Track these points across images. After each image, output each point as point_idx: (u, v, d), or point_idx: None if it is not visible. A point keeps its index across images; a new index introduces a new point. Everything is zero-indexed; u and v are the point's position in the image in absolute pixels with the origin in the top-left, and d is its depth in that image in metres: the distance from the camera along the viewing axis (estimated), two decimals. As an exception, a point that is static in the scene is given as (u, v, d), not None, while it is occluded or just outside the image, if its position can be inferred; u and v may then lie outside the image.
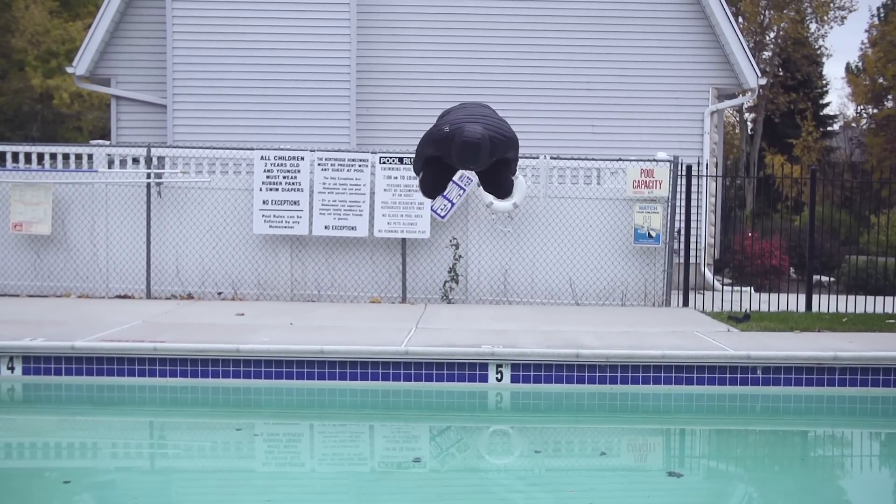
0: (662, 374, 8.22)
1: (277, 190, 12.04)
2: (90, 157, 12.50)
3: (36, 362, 8.28)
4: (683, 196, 12.28)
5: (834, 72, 70.55)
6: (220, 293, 12.37)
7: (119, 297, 12.33)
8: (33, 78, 27.18)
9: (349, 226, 12.04)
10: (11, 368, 8.24)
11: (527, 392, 8.13)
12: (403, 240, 12.25)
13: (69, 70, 15.42)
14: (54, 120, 29.96)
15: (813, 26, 32.32)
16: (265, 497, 5.46)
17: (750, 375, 8.26)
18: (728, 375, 8.25)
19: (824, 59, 36.41)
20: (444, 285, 12.23)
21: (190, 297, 12.32)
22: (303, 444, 7.03)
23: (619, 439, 7.17)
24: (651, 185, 12.08)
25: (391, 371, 8.22)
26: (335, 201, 12.02)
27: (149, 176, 12.27)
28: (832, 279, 15.93)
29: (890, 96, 32.52)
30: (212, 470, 6.09)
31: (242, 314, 10.55)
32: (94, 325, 9.28)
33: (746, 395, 8.12)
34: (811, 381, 8.28)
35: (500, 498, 5.63)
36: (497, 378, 8.17)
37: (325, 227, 12.06)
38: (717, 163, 16.28)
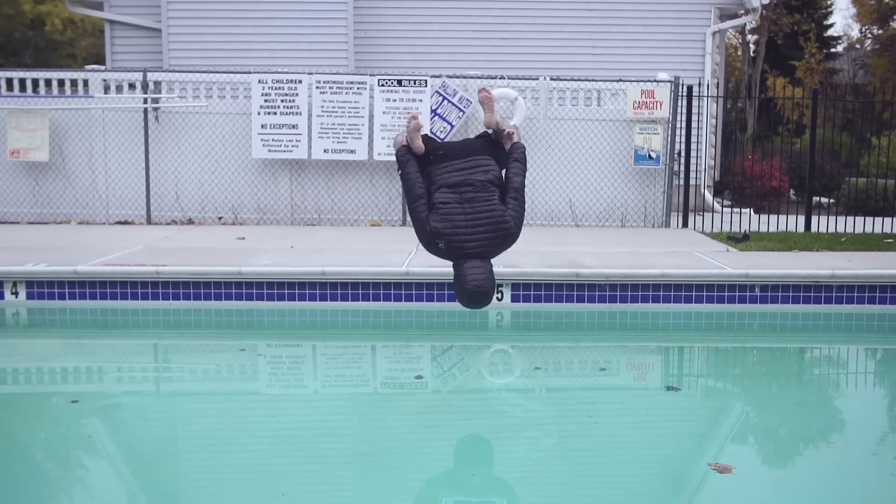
0: (661, 293, 8.28)
1: (276, 114, 11.96)
2: (86, 82, 12.40)
3: (39, 287, 8.34)
4: (684, 117, 12.20)
5: (838, -8, 69.42)
6: (220, 218, 12.39)
7: (119, 223, 12.34)
8: (24, 3, 26.79)
9: (348, 149, 12.00)
10: (15, 293, 8.30)
11: (527, 311, 8.20)
12: (403, 163, 12.19)
13: (61, -6, 15.20)
14: (47, 47, 29.62)
15: (818, -57, 31.77)
16: (269, 415, 5.54)
17: (748, 293, 8.32)
18: (726, 294, 8.31)
19: (829, -21, 35.86)
20: (443, 208, 12.21)
21: (190, 222, 12.33)
22: (305, 363, 7.11)
23: (619, 356, 7.25)
24: (651, 105, 12.01)
25: (392, 291, 8.28)
26: (334, 125, 11.96)
27: (145, 101, 12.18)
28: (832, 201, 15.94)
29: None
30: (216, 391, 6.17)
31: (243, 238, 10.59)
32: (95, 251, 9.32)
33: (744, 313, 8.20)
34: (808, 299, 8.35)
35: (501, 412, 5.72)
36: (497, 298, 8.23)
37: (325, 151, 12.02)
38: (718, 84, 16.15)
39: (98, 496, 4.22)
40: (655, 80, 12.18)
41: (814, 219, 12.29)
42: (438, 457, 4.75)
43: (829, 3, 36.74)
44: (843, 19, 57.01)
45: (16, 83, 12.41)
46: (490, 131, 5.43)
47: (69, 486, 4.37)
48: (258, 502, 4.05)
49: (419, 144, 5.02)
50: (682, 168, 12.32)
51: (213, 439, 4.95)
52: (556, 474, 4.45)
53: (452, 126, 12.01)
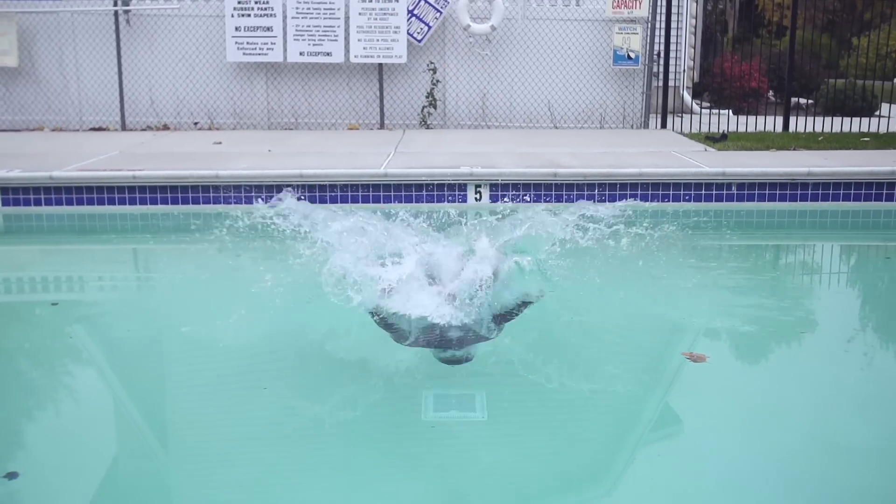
0: (639, 192, 8.32)
1: (249, 16, 11.73)
2: (53, -16, 12.09)
3: (14, 193, 8.27)
4: (664, 17, 12.07)
5: None
6: (196, 123, 12.25)
7: (93, 129, 12.19)
8: None
9: (324, 52, 11.83)
10: (-10, 199, 8.24)
11: (505, 210, 8.22)
12: (380, 65, 12.06)
13: None
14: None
15: None
16: (250, 313, 5.56)
17: (725, 192, 8.38)
18: (703, 192, 8.37)
19: None
20: (422, 110, 12.14)
21: (166, 127, 12.19)
22: (283, 256, 7.02)
23: (594, 251, 7.25)
24: (631, 4, 11.85)
25: (371, 193, 8.27)
26: (309, 27, 11.75)
27: (115, 3, 11.90)
28: (811, 101, 15.90)
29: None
30: (197, 288, 6.17)
31: (220, 143, 10.50)
32: (70, 157, 9.22)
33: (721, 211, 8.26)
34: (784, 197, 8.41)
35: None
36: (476, 198, 8.24)
37: (300, 54, 11.83)
38: (698, -17, 15.92)
39: (81, 396, 4.28)
40: (635, -21, 12.01)
41: (792, 119, 12.28)
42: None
43: None
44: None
45: (-19, -14, 12.09)
46: None
47: (51, 387, 4.42)
48: (239, 397, 4.11)
49: None
50: (662, 69, 12.24)
51: (195, 340, 4.98)
52: (532, 359, 4.52)
53: (430, 27, 11.85)
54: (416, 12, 11.79)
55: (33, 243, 7.85)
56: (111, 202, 8.27)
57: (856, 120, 12.19)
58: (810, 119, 12.28)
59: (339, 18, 11.75)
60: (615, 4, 11.87)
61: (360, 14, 11.74)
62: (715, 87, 15.41)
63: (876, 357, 4.70)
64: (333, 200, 8.24)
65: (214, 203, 8.22)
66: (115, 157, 9.36)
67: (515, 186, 8.28)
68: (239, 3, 11.69)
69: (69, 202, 8.28)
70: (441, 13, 11.81)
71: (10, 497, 3.12)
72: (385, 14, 11.67)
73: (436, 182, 8.29)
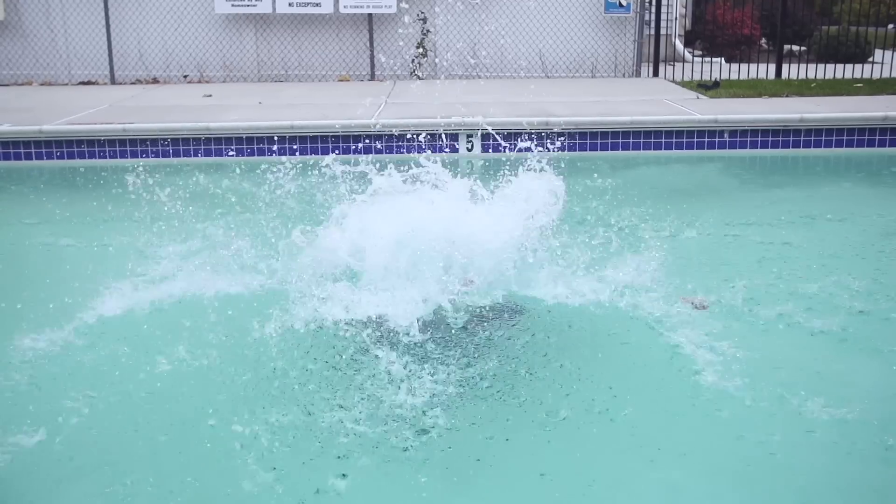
0: (631, 140, 8.31)
1: (237, -34, 11.61)
2: (38, -65, 11.92)
3: (4, 147, 8.24)
4: (656, -37, 11.98)
5: None
6: (185, 76, 12.16)
7: (82, 83, 12.10)
8: None
9: (314, 2, 11.71)
10: (-20, 153, 8.20)
11: (497, 160, 8.20)
12: (370, 15, 11.95)
13: None
14: None
15: None
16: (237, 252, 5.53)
17: (717, 139, 8.38)
18: (696, 140, 8.37)
19: None
20: (412, 61, 12.06)
21: (155, 81, 12.10)
22: (273, 205, 6.96)
23: (589, 196, 7.24)
24: (622, -49, 11.74)
25: (362, 144, 8.24)
26: (298, -23, 11.64)
27: (101, -45, 11.76)
28: (804, 48, 15.82)
29: None
30: (193, 236, 6.12)
31: (210, 95, 10.43)
32: (60, 110, 9.17)
33: (713, 157, 8.27)
34: (777, 144, 8.42)
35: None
36: (468, 148, 8.24)
37: (289, 5, 11.72)
38: (691, -71, 15.76)
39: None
40: (627, -75, 11.88)
41: (785, 66, 12.24)
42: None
43: None
44: None
45: (-36, -62, 11.91)
46: None
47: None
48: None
49: None
50: (653, 17, 12.16)
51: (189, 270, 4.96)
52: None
53: (420, -24, 11.72)
54: (405, -39, 11.68)
55: (25, 195, 7.78)
56: (102, 156, 8.24)
57: (849, 67, 12.14)
58: (803, 66, 12.23)
59: (328, -32, 11.63)
60: (607, -49, 11.76)
61: (349, -37, 11.62)
62: (707, 35, 15.31)
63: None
64: (325, 151, 8.21)
65: (205, 156, 8.20)
66: (105, 110, 9.31)
67: (507, 137, 8.25)
68: (226, -47, 11.56)
69: (59, 156, 8.26)
70: (431, -38, 11.69)
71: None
72: (374, -37, 11.55)
73: (427, 132, 8.24)
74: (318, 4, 11.70)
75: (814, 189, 7.71)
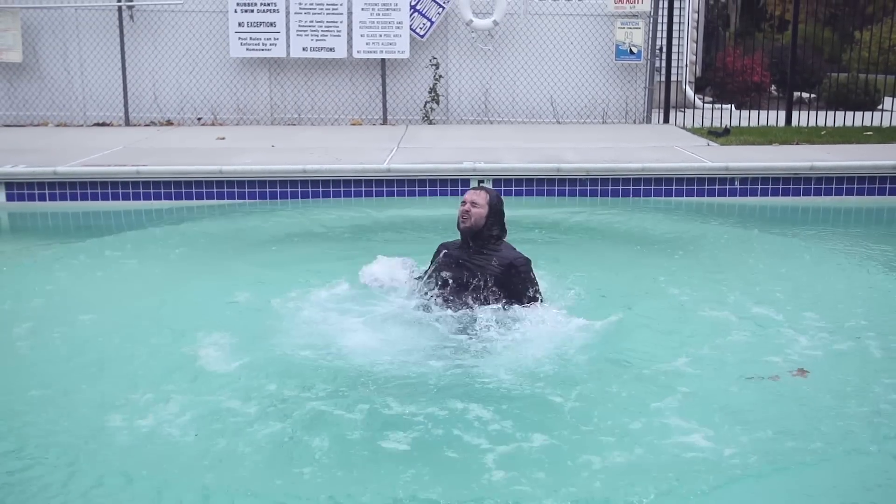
0: (642, 187, 8.35)
1: (253, 11, 11.76)
2: (57, -20, 12.11)
3: (19, 188, 8.31)
4: (666, 11, 12.09)
5: None
6: (199, 119, 12.28)
7: (97, 124, 12.22)
8: None
9: (327, 47, 11.85)
10: (-6, 194, 8.26)
11: (508, 203, 8.22)
12: (383, 60, 12.08)
13: None
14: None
15: None
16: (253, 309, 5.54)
17: (728, 186, 8.40)
18: (706, 187, 8.40)
19: None
20: (424, 106, 12.17)
21: (169, 123, 12.22)
22: (287, 248, 6.97)
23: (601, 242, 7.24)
24: (633, -1, 11.87)
25: (374, 189, 8.30)
26: (312, 22, 11.78)
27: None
28: (813, 95, 15.90)
29: None
30: (206, 276, 6.13)
31: (223, 138, 10.52)
32: (74, 152, 9.26)
33: (724, 205, 8.28)
34: (787, 191, 8.45)
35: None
36: (479, 193, 8.25)
37: (303, 49, 11.86)
38: (701, -22, 15.92)
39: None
40: (637, -27, 12.01)
41: (794, 113, 12.30)
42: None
43: None
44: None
45: (-16, -18, 12.11)
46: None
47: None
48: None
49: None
50: (664, 64, 12.26)
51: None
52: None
53: (432, 22, 11.86)
54: (418, 7, 11.81)
55: (38, 237, 7.81)
56: (115, 197, 8.30)
57: (858, 114, 12.19)
58: (813, 113, 12.29)
59: (341, 14, 11.77)
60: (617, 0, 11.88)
61: (362, 9, 11.76)
62: (717, 82, 15.42)
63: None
64: (337, 195, 8.28)
65: (218, 198, 8.25)
66: (119, 151, 9.40)
67: (518, 181, 8.31)
68: (242, -2, 11.73)
69: (73, 197, 8.31)
70: (443, 8, 11.82)
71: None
72: (388, 9, 11.69)
73: (439, 178, 8.31)
74: (331, 49, 11.83)
75: (823, 237, 7.70)
